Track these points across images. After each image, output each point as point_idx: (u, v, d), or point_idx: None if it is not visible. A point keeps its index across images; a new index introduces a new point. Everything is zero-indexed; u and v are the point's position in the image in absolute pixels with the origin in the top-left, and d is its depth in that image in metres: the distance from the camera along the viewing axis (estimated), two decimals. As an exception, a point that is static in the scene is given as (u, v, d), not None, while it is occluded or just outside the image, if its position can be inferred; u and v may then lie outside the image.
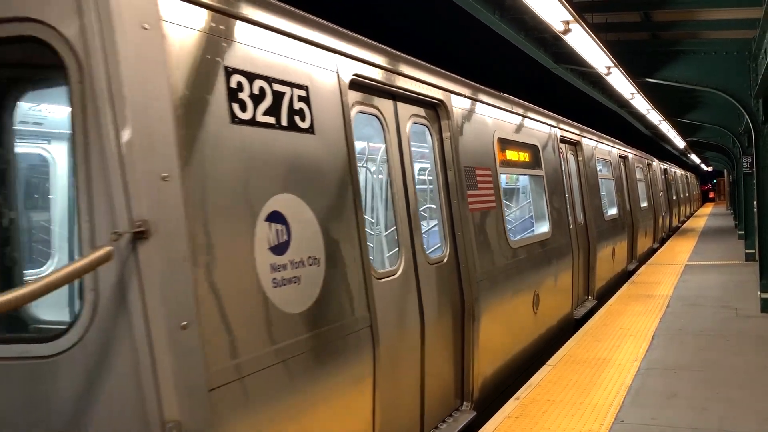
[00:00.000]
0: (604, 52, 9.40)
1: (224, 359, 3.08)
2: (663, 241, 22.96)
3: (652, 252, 19.55)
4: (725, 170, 47.67)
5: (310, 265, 3.78)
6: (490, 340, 6.33)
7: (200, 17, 3.26)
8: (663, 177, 25.77)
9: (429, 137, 5.98)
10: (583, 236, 11.12)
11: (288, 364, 3.50)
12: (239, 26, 3.52)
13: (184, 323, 2.90)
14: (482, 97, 7.15)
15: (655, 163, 23.77)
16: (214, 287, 3.10)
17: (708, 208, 53.87)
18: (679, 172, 37.18)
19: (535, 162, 8.82)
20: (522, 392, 6.38)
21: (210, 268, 3.10)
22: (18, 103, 3.79)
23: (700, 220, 35.84)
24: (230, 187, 3.30)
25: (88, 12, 2.79)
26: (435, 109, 5.99)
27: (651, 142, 31.97)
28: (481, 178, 6.62)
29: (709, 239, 22.60)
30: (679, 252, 18.63)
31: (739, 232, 20.98)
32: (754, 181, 11.31)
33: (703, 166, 58.80)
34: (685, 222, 35.18)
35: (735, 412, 5.68)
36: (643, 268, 15.47)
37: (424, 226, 6.28)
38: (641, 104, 15.54)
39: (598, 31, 8.97)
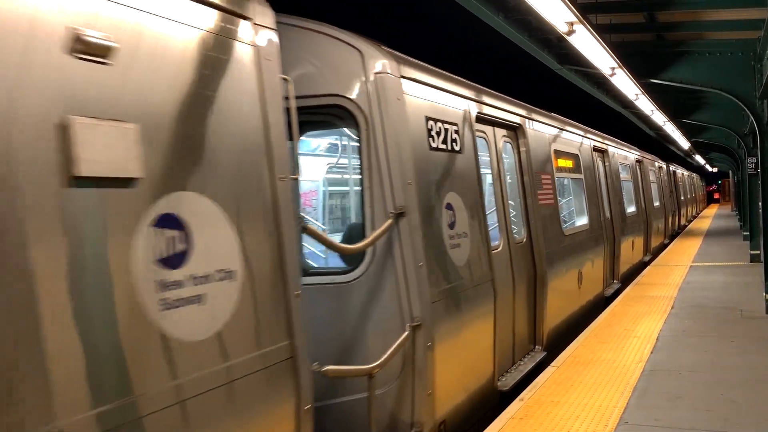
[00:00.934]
0: (609, 53, 9.38)
1: (435, 287, 5.31)
2: (672, 237, 24.11)
3: (663, 246, 21.01)
4: (730, 171, 47.56)
5: (463, 237, 6.01)
6: (553, 302, 8.35)
7: (416, 89, 5.56)
8: (671, 179, 26.14)
9: (512, 151, 8.04)
10: (610, 229, 12.92)
11: (458, 296, 5.75)
12: (428, 90, 5.81)
13: (420, 264, 5.09)
14: (543, 119, 9.27)
15: (664, 165, 24.34)
16: (428, 244, 5.29)
17: (713, 209, 53.74)
18: (686, 173, 37.29)
19: (576, 167, 11.04)
20: (526, 393, 6.38)
21: (427, 233, 5.29)
22: (310, 138, 7.15)
23: (705, 221, 35.76)
24: (431, 188, 5.52)
25: (373, 93, 5.04)
26: (515, 131, 8.07)
27: (656, 143, 31.88)
28: (545, 180, 8.70)
29: (714, 240, 22.56)
30: (683, 253, 18.61)
31: (744, 233, 20.93)
32: (759, 182, 11.28)
33: (707, 167, 58.64)
34: (691, 221, 35.16)
35: (740, 413, 5.67)
36: (648, 269, 15.47)
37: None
38: (646, 105, 15.51)
39: (602, 32, 8.96)
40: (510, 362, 7.29)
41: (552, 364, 7.38)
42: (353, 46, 5.10)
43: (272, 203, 3.49)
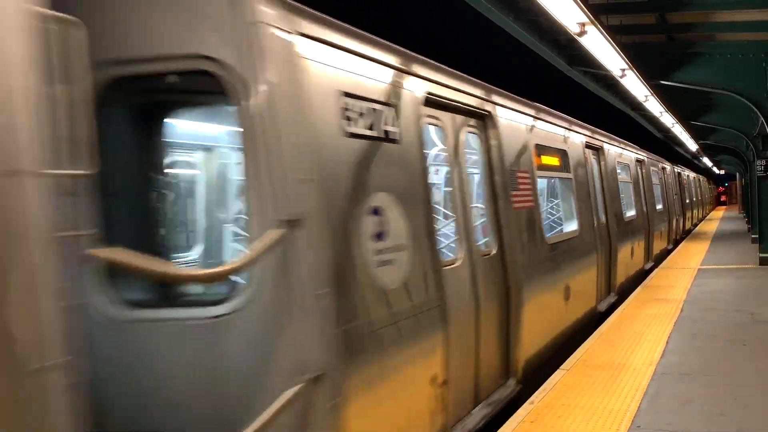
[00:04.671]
0: (619, 54, 9.34)
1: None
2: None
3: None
4: (737, 173, 47.39)
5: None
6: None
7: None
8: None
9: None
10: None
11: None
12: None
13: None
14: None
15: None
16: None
17: (720, 212, 53.53)
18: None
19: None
20: (536, 396, 6.34)
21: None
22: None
23: (712, 223, 35.62)
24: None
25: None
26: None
27: (663, 145, 31.79)
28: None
29: (722, 243, 22.44)
30: (692, 256, 18.51)
31: (753, 236, 20.81)
32: (769, 185, 11.22)
33: (714, 169, 58.46)
34: (697, 225, 35.03)
35: (753, 418, 5.61)
36: (656, 271, 15.38)
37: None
38: (655, 107, 15.46)
39: (613, 33, 8.92)
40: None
41: (561, 367, 7.33)
42: None
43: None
